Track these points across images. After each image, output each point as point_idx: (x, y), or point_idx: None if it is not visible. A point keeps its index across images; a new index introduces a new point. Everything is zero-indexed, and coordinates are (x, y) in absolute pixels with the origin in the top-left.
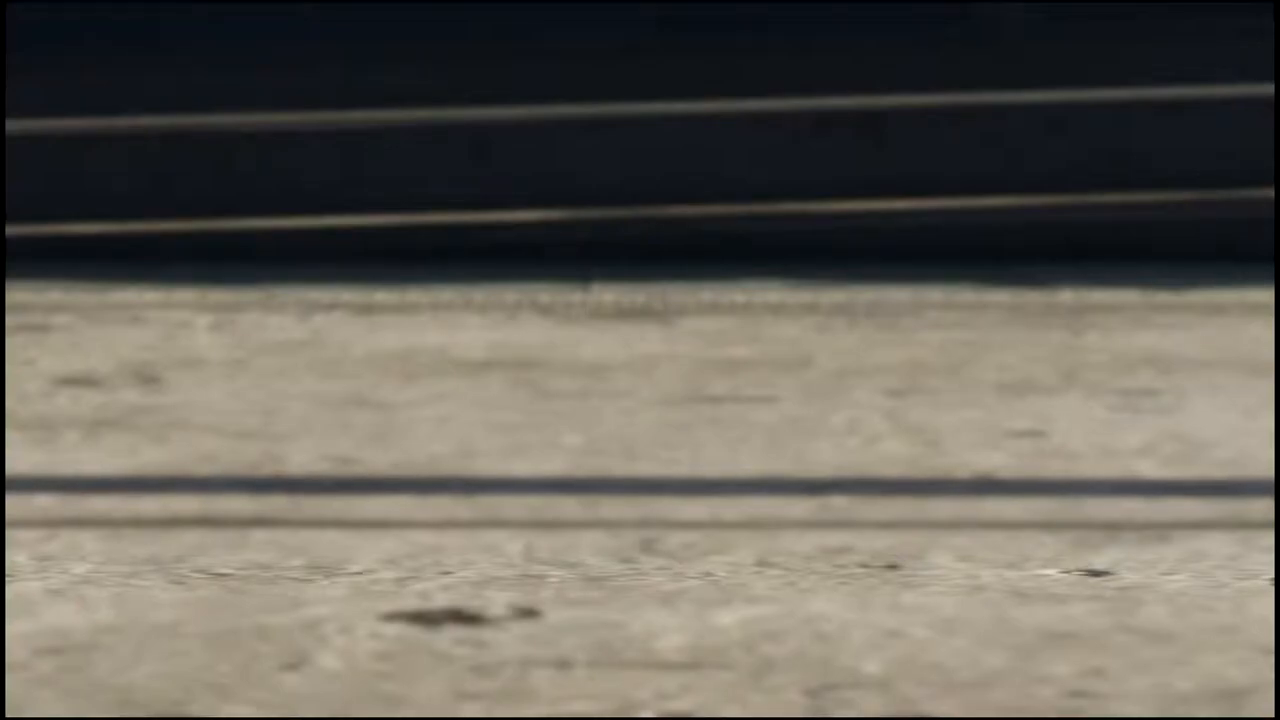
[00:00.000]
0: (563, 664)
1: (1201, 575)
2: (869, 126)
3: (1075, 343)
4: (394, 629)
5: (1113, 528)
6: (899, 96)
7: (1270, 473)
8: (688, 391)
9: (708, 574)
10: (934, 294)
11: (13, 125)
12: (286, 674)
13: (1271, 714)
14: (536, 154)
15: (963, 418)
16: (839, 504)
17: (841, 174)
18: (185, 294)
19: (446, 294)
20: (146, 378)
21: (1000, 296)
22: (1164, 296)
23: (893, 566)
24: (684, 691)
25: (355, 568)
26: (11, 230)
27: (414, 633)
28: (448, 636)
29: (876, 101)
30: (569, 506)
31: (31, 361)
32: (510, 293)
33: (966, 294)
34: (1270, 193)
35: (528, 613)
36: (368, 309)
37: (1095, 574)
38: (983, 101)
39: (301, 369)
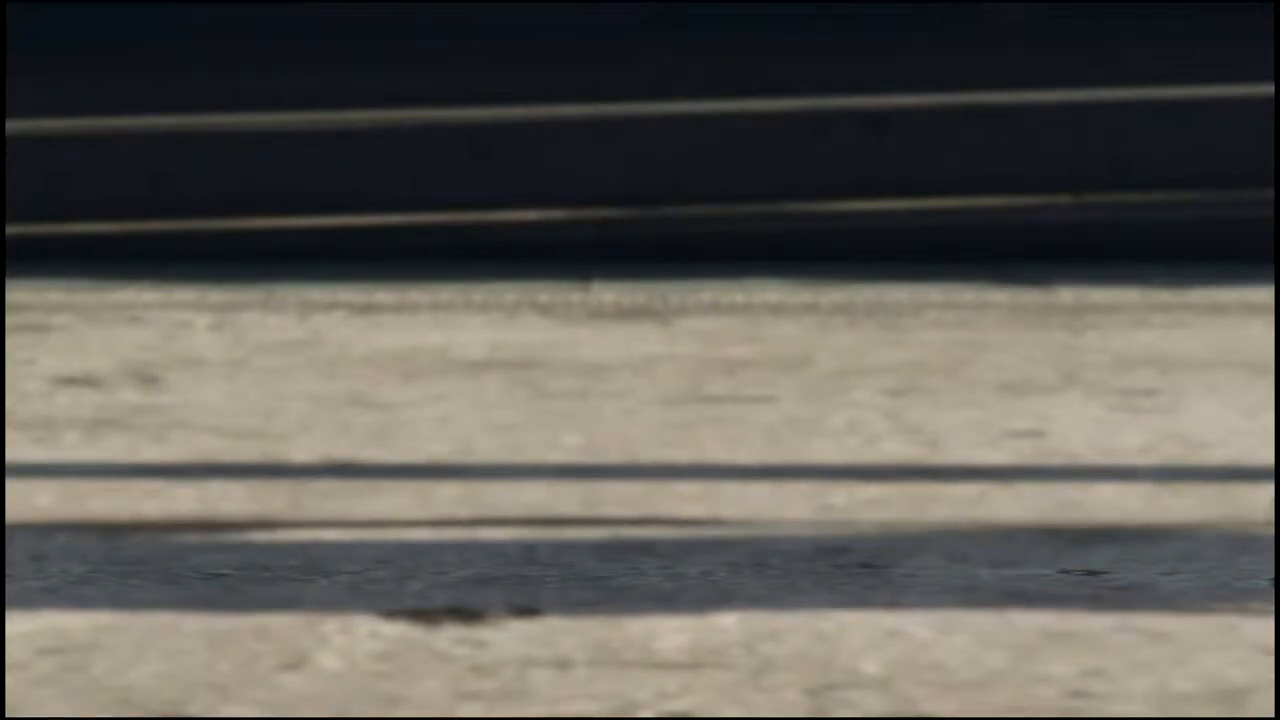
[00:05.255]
0: (562, 664)
1: (1201, 575)
2: (869, 126)
3: (1075, 343)
4: (393, 629)
5: (1112, 527)
6: (899, 96)
7: (1270, 472)
8: (688, 391)
9: (707, 574)
10: (934, 294)
11: (13, 125)
12: (286, 674)
13: (1271, 714)
14: (536, 154)
15: (963, 418)
16: (839, 504)
17: (841, 174)
18: (185, 294)
19: (446, 294)
20: (146, 378)
21: (1000, 296)
22: (1164, 296)
23: (892, 566)
24: (684, 691)
25: (354, 567)
26: (11, 230)
27: (413, 632)
28: (447, 636)
29: (877, 101)
30: (569, 506)
31: (31, 361)
32: (510, 293)
33: (966, 294)
34: (1270, 193)
35: (527, 613)
36: (368, 309)
37: (1094, 573)
38: (983, 101)
39: (301, 369)
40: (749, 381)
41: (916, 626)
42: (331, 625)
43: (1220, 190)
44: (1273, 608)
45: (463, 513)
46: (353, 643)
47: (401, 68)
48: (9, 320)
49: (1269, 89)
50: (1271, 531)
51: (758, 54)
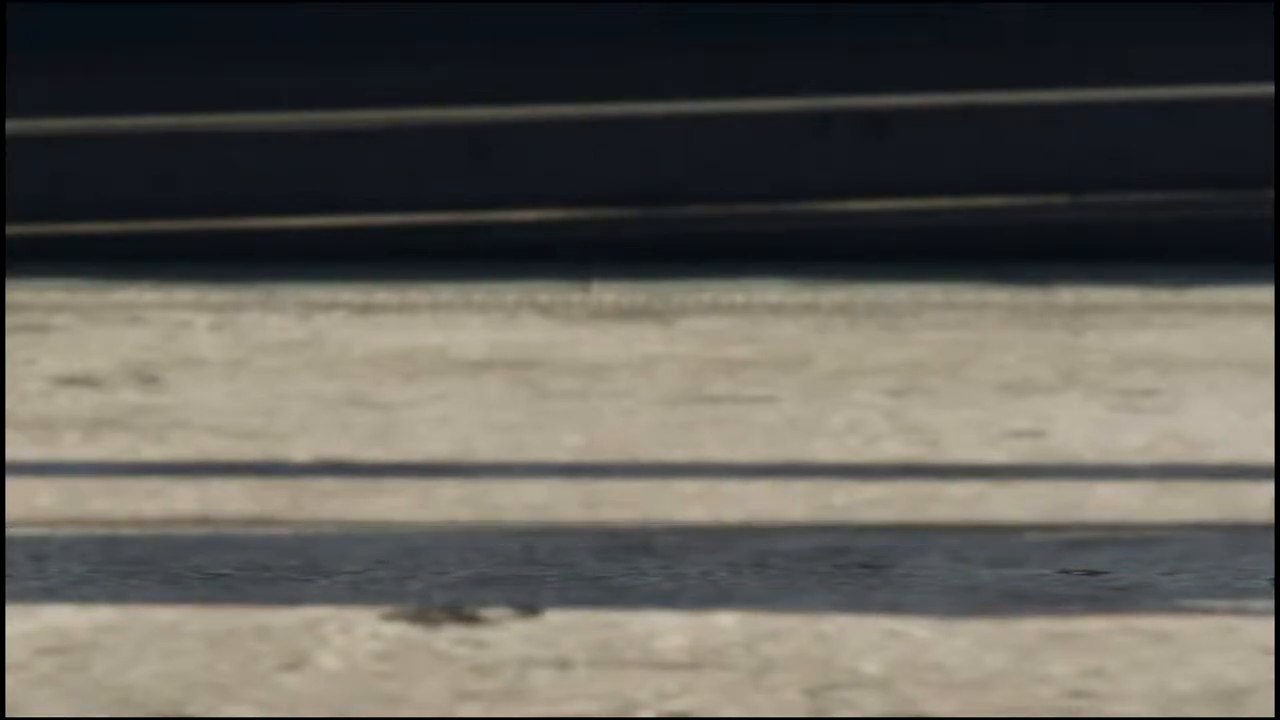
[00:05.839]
0: (563, 664)
1: (1201, 575)
2: (869, 126)
3: (1075, 343)
4: (394, 629)
5: (1112, 527)
6: (899, 96)
7: (1270, 472)
8: (688, 391)
9: (707, 574)
10: (934, 294)
11: (13, 125)
12: (286, 674)
13: (1271, 714)
14: (536, 154)
15: (963, 418)
16: (839, 504)
17: (841, 174)
18: (185, 294)
19: (446, 294)
20: (146, 378)
21: (1000, 296)
22: (1164, 296)
23: (892, 566)
24: (684, 691)
25: (354, 567)
26: (11, 230)
27: (414, 633)
28: (447, 636)
29: (877, 101)
30: (569, 506)
31: (31, 361)
32: (510, 293)
33: (966, 294)
34: (1270, 193)
35: (528, 613)
36: (368, 309)
37: (1094, 573)
38: (983, 101)
39: (301, 369)
40: (749, 381)
41: (916, 627)
42: (331, 625)
43: (1220, 190)
44: (1273, 608)
45: (463, 513)
46: (353, 643)
47: (401, 68)
48: (9, 320)
49: (1269, 89)
50: (1271, 531)
51: (758, 54)
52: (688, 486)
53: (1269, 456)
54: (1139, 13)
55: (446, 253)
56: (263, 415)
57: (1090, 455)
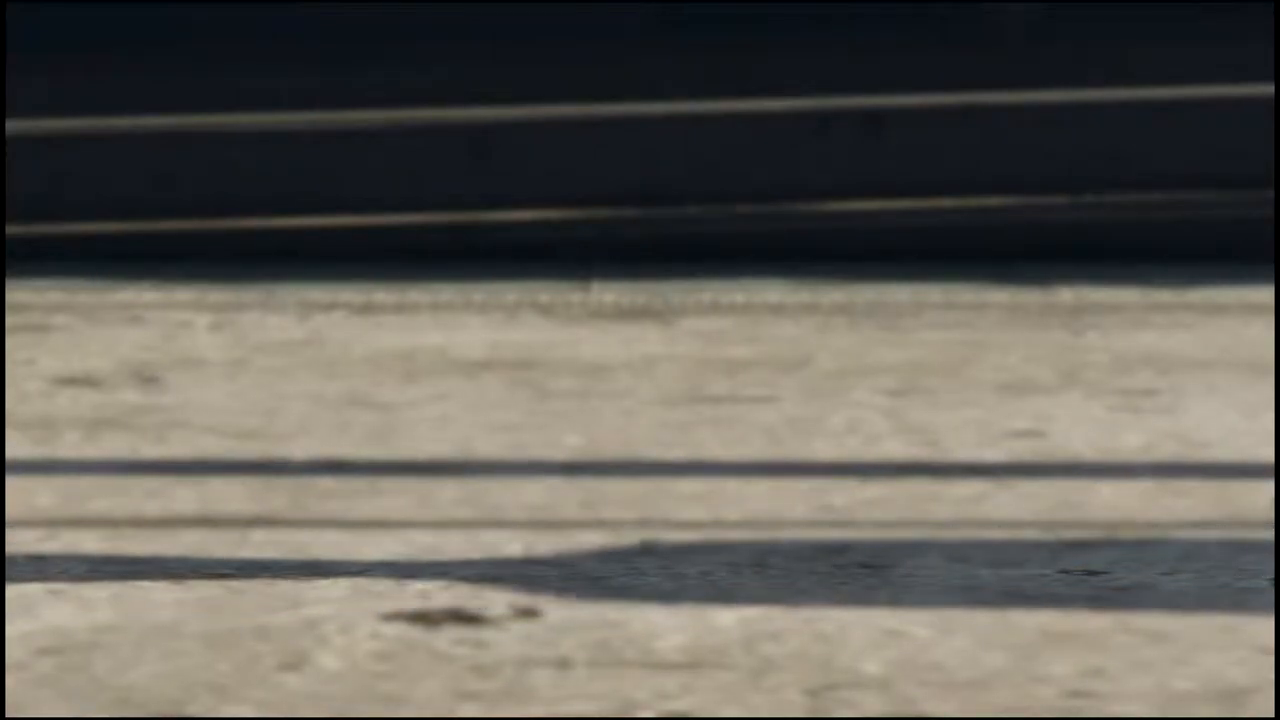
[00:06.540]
0: (562, 664)
1: (1201, 575)
2: (869, 126)
3: (1075, 343)
4: (394, 629)
5: (1112, 527)
6: (899, 96)
7: (1270, 472)
8: (688, 391)
9: (707, 574)
10: (934, 294)
11: (13, 125)
12: (286, 674)
13: (1271, 714)
14: (537, 154)
15: (963, 417)
16: (839, 504)
17: (841, 174)
18: (185, 294)
19: (446, 294)
20: (146, 378)
21: (1000, 296)
22: (1164, 296)
23: (892, 566)
24: (684, 691)
25: (354, 567)
26: (11, 230)
27: (414, 633)
28: (447, 636)
29: (877, 101)
30: (569, 506)
31: (31, 361)
32: (510, 293)
33: (966, 294)
34: (1270, 193)
35: (528, 613)
36: (368, 309)
37: (1094, 573)
38: (983, 101)
39: (301, 369)
40: (749, 381)
41: (916, 626)
42: (331, 625)
43: (1220, 190)
44: (1273, 608)
45: (463, 513)
46: (353, 643)
47: (401, 68)
48: (9, 320)
49: (1269, 89)
50: (1271, 531)
51: (758, 54)
52: (688, 486)
53: (1269, 456)
54: (1139, 13)
55: (446, 253)
56: (263, 415)
57: (1090, 455)
